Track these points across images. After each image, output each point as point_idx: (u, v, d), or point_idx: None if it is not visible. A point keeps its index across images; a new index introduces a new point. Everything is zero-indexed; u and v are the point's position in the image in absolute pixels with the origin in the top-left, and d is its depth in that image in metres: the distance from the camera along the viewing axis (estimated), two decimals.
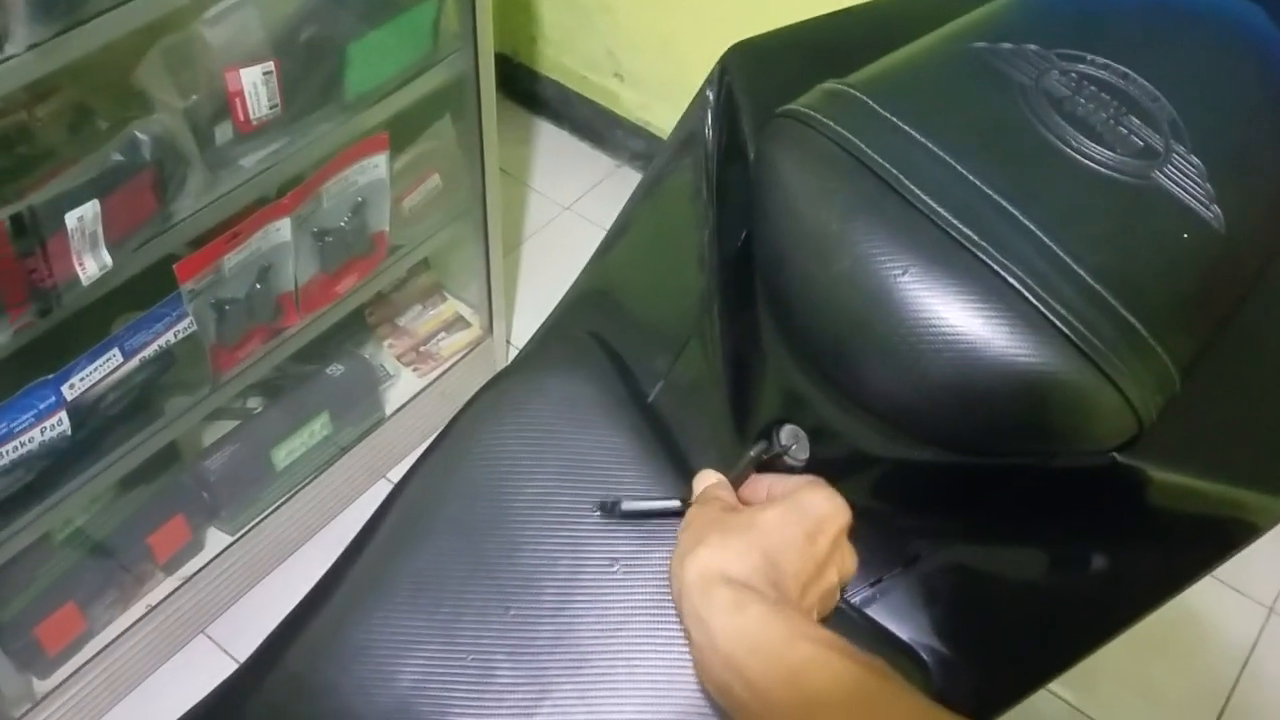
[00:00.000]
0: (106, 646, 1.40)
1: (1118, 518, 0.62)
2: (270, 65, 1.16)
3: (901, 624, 0.63)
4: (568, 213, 2.15)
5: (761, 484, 0.65)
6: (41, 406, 1.12)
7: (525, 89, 2.29)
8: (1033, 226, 0.58)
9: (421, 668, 0.63)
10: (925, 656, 0.63)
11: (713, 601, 0.55)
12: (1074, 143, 0.61)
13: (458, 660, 0.63)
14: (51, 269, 1.07)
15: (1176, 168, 0.61)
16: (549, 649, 0.62)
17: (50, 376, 1.12)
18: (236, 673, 0.66)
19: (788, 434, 0.66)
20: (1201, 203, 0.60)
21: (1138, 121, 0.62)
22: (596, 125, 2.24)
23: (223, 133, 1.18)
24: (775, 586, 0.55)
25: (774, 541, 0.57)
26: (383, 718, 0.61)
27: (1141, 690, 1.58)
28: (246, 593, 1.59)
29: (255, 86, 1.16)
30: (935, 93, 0.64)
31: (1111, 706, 1.56)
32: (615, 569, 0.64)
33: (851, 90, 0.64)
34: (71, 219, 1.05)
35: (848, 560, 0.60)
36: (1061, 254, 0.57)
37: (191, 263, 1.17)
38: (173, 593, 1.46)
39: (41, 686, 1.36)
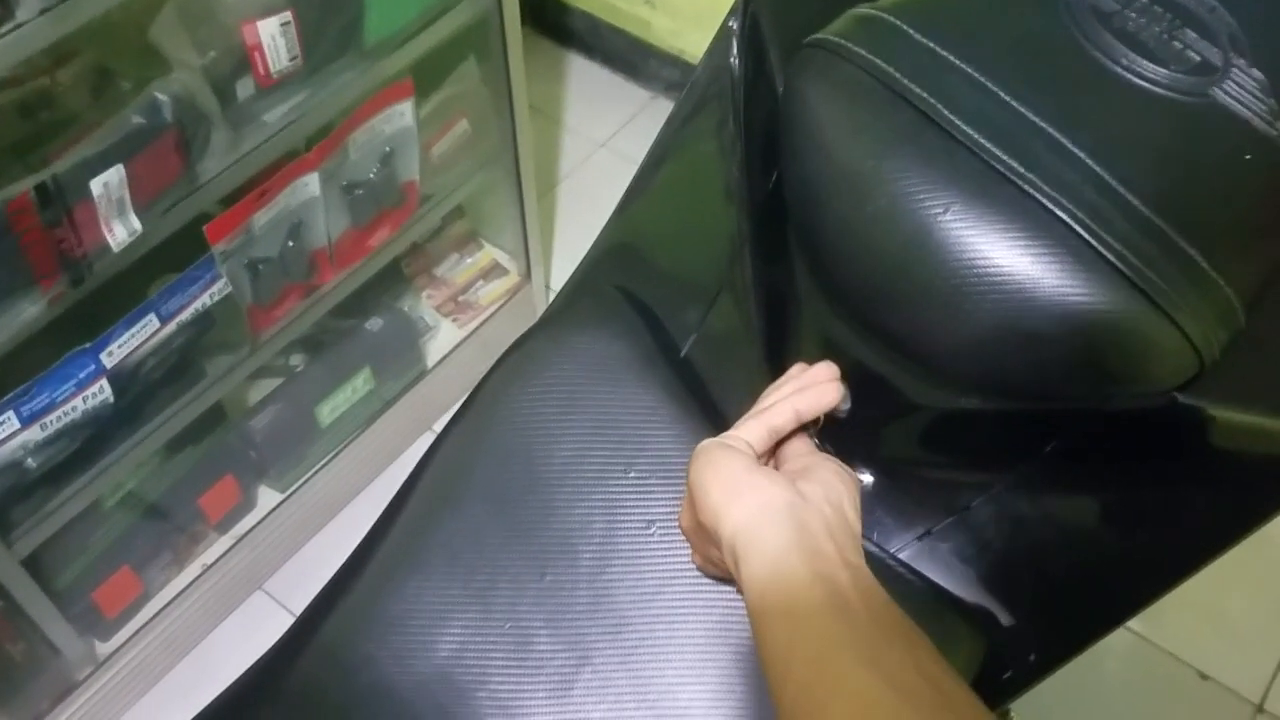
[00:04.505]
0: (165, 607, 1.42)
1: (1179, 461, 0.59)
2: (288, 15, 1.13)
3: (951, 577, 0.61)
4: (603, 150, 2.11)
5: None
6: (82, 375, 1.12)
7: (554, 22, 2.24)
8: (1082, 154, 0.54)
9: (458, 637, 0.61)
10: (977, 610, 0.60)
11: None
12: (1124, 61, 0.57)
13: (495, 628, 0.61)
14: (80, 237, 1.06)
15: (1236, 83, 0.57)
16: (587, 614, 0.61)
17: (88, 345, 1.12)
18: (273, 648, 0.65)
19: None
20: (1265, 120, 0.56)
21: (1193, 35, 0.58)
22: (629, 56, 2.19)
23: (244, 88, 1.16)
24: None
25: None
26: (420, 689, 0.60)
27: (1212, 619, 1.54)
28: (301, 547, 1.60)
29: (274, 39, 1.14)
30: (973, 14, 0.60)
31: (1182, 635, 1.53)
32: (652, 531, 0.62)
33: (884, 15, 0.60)
34: (97, 185, 1.04)
35: None
36: (1113, 183, 0.53)
37: (221, 223, 1.16)
38: (227, 552, 1.48)
39: (103, 649, 1.38)
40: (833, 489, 0.55)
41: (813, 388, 0.59)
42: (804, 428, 0.62)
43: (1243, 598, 1.56)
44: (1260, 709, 1.48)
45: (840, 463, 0.57)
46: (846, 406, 0.64)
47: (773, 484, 0.54)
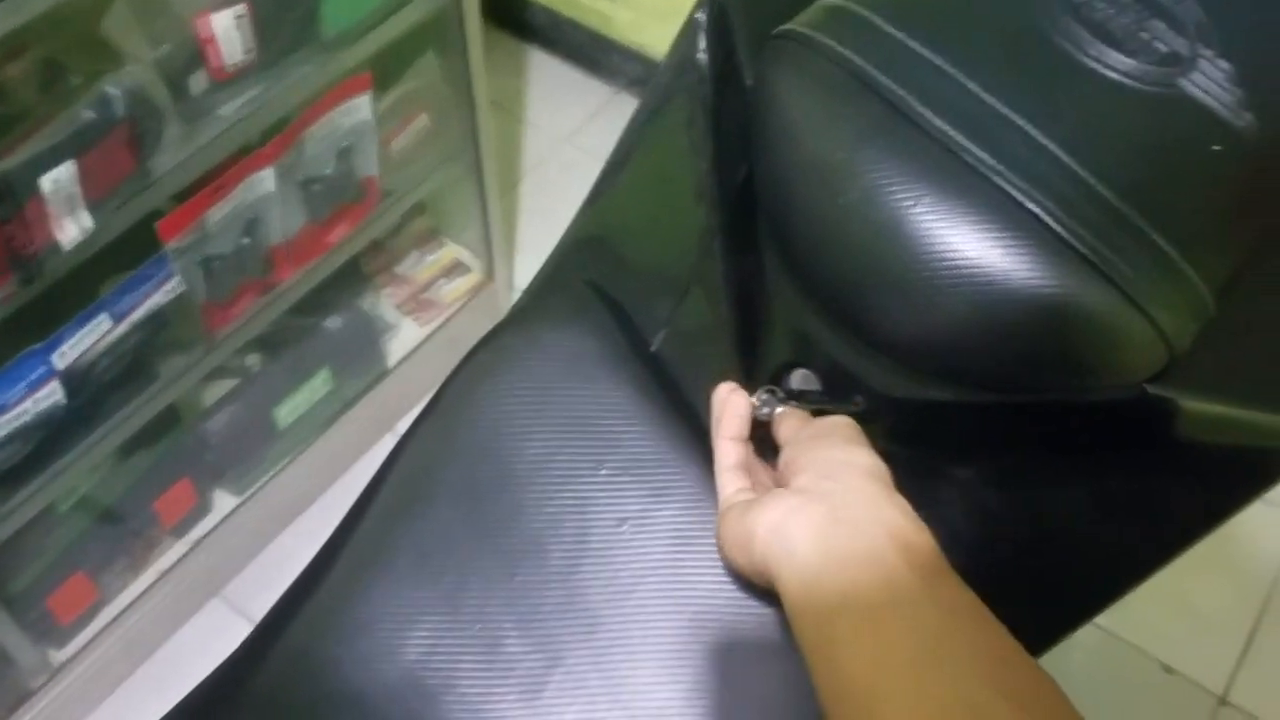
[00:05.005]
0: (120, 614, 1.40)
1: (1150, 452, 0.59)
2: (242, 8, 1.11)
3: None
4: (565, 145, 2.10)
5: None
6: (33, 377, 1.10)
7: (515, 17, 2.23)
8: (1051, 145, 0.54)
9: (427, 640, 0.60)
10: None
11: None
12: (1093, 52, 0.57)
13: (464, 630, 0.60)
14: (31, 235, 1.04)
15: (1204, 74, 0.57)
16: (558, 615, 0.60)
17: (39, 346, 1.10)
18: (236, 652, 0.63)
19: (799, 378, 0.63)
20: (1232, 110, 0.56)
21: (1161, 25, 0.58)
22: (590, 51, 2.18)
23: (197, 82, 1.14)
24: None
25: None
26: (388, 692, 0.59)
27: (1177, 611, 1.56)
28: (259, 553, 1.57)
29: (227, 31, 1.12)
30: (944, 6, 0.60)
31: (1146, 628, 1.54)
32: (624, 529, 0.61)
33: (853, 7, 0.60)
34: (47, 182, 1.02)
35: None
36: (1083, 174, 0.53)
37: (174, 220, 1.14)
38: (183, 557, 1.45)
39: (58, 656, 1.35)
40: (821, 461, 0.54)
41: (724, 414, 0.60)
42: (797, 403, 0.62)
43: (1207, 590, 1.58)
44: (1224, 701, 1.49)
45: (823, 421, 0.58)
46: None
47: (764, 511, 0.53)
